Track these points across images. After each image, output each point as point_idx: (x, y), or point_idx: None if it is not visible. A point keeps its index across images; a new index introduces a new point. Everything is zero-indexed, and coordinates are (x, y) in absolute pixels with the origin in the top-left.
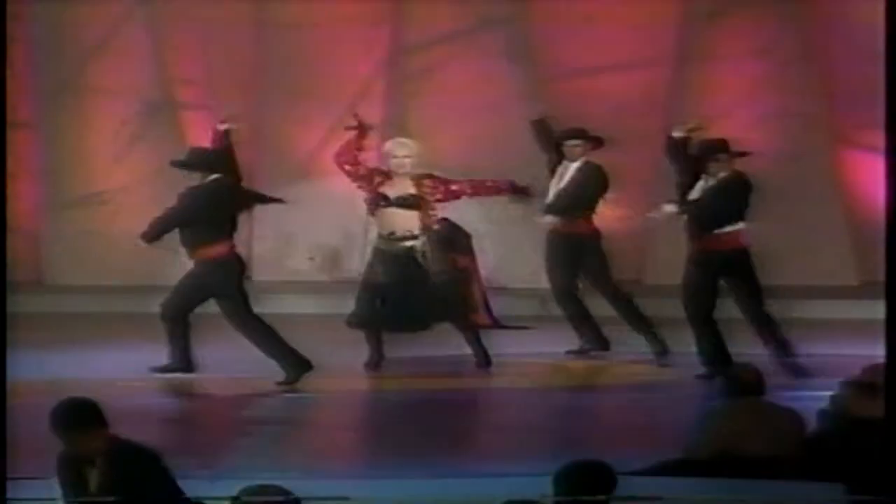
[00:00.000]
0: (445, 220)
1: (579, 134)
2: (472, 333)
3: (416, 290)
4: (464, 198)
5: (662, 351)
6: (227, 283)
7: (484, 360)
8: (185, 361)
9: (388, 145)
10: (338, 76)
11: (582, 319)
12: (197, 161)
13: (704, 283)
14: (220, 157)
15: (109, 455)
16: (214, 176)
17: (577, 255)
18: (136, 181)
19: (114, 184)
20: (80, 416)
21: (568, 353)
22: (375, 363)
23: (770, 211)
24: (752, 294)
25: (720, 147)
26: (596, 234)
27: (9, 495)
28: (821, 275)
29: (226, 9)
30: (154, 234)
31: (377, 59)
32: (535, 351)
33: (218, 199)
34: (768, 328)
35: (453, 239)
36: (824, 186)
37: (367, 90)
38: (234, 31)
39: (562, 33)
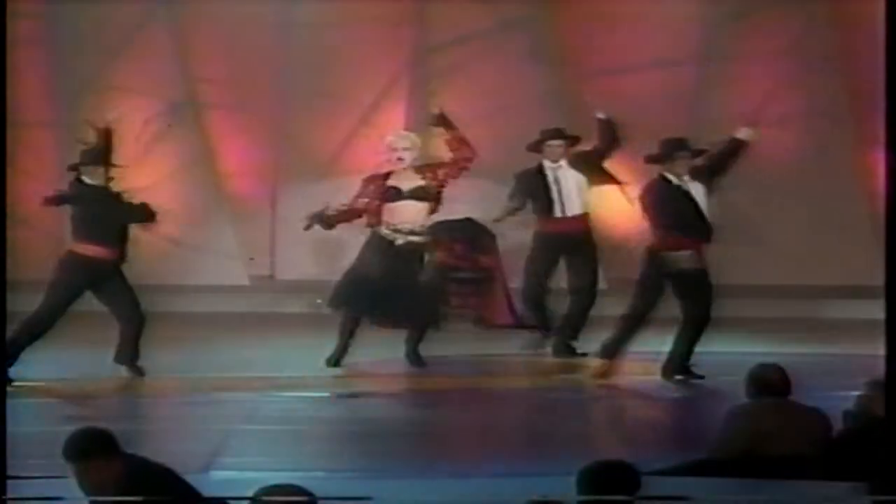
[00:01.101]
0: (469, 219)
1: (560, 134)
2: (420, 336)
3: (410, 287)
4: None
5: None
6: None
7: (417, 361)
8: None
9: (390, 139)
10: (360, 76)
11: (541, 316)
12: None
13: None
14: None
15: (124, 481)
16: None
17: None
18: (158, 181)
19: (136, 183)
20: (91, 447)
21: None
22: (339, 357)
23: (795, 210)
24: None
25: (680, 145)
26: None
27: (9, 495)
28: (846, 274)
29: (249, 8)
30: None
31: (400, 60)
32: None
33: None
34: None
35: (477, 238)
36: (850, 186)
37: (390, 90)
38: (256, 31)
39: (585, 33)
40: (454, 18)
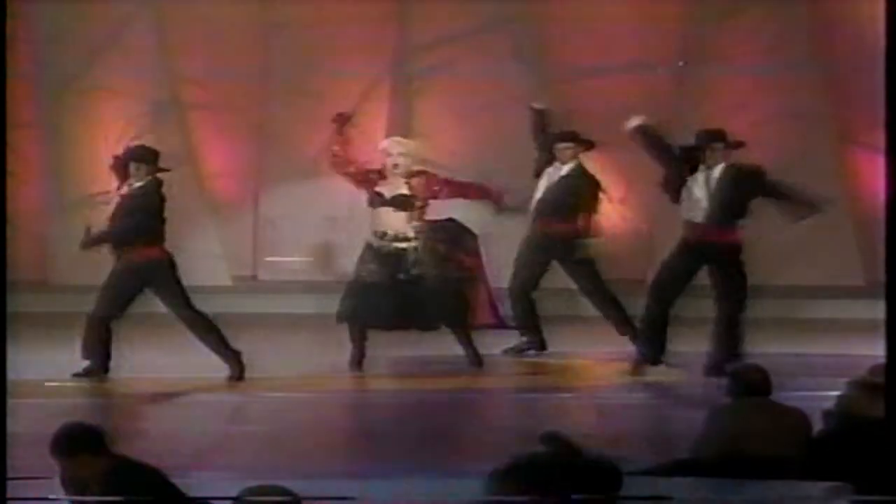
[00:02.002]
0: (452, 220)
1: (571, 137)
2: (464, 333)
3: (404, 291)
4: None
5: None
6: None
7: (475, 359)
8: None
9: (385, 144)
10: (344, 76)
11: (529, 319)
12: (146, 156)
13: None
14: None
15: (108, 478)
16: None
17: (556, 257)
18: None
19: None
20: (77, 441)
21: (505, 351)
22: (357, 361)
23: (775, 211)
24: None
25: (717, 136)
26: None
27: (9, 495)
28: (827, 275)
29: (232, 8)
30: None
31: (383, 59)
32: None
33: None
34: (729, 332)
35: (459, 239)
36: (830, 187)
37: (373, 89)
38: (239, 31)
39: (567, 34)
40: (437, 18)
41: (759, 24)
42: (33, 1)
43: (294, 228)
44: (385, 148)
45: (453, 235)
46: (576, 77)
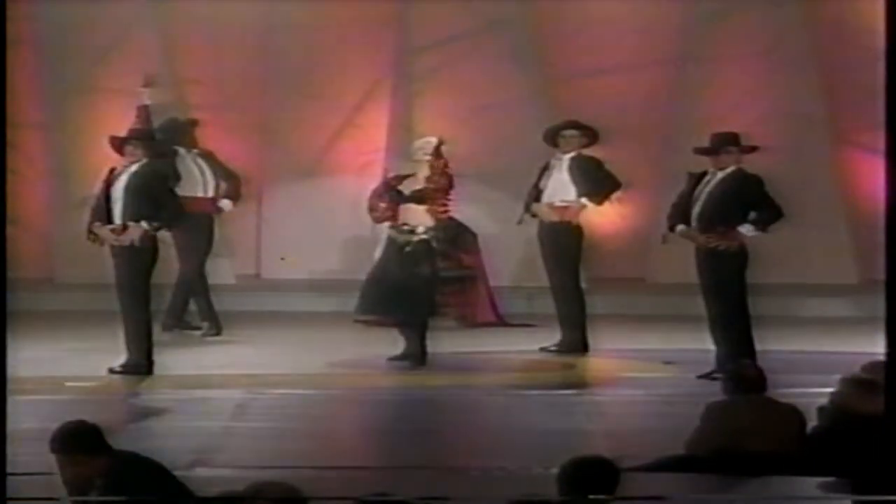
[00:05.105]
0: (452, 218)
1: (576, 125)
2: (419, 329)
3: (423, 282)
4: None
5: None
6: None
7: (421, 358)
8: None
9: (417, 144)
10: (345, 77)
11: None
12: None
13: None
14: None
15: (110, 475)
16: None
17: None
18: None
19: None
20: (78, 440)
21: (542, 349)
22: (417, 357)
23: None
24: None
25: (730, 140)
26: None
27: (9, 493)
28: (821, 273)
29: (234, 10)
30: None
31: (384, 60)
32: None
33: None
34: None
35: (459, 237)
36: (825, 186)
37: (374, 91)
38: (242, 32)
39: (567, 34)
40: (437, 20)
41: (755, 24)
42: (38, 2)
43: (296, 227)
44: (416, 148)
45: (453, 234)
46: (574, 77)
